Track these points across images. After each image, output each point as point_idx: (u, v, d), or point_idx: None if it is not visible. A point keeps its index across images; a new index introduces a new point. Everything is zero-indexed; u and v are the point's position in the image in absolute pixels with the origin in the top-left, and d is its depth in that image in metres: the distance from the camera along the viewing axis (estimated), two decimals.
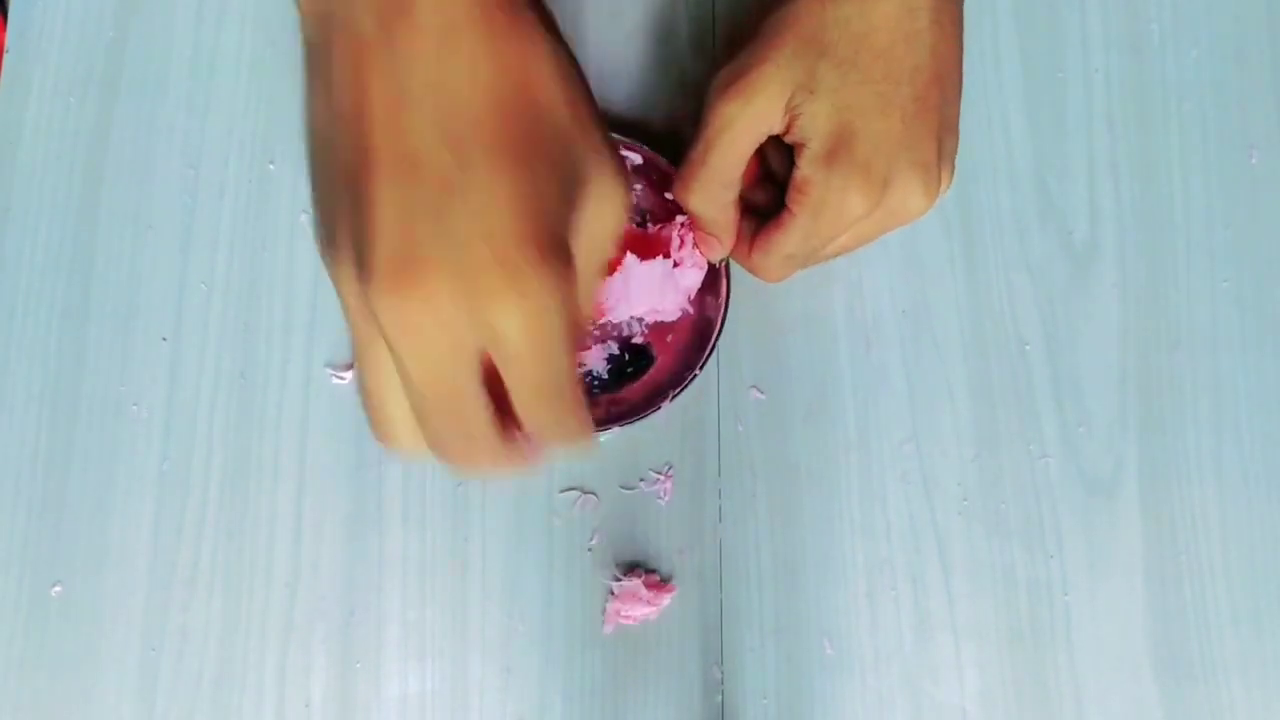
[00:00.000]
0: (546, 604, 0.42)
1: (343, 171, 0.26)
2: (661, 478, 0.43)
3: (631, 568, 0.43)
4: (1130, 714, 0.43)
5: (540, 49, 0.27)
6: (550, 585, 0.43)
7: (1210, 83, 0.48)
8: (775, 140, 0.38)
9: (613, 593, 0.42)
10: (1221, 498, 0.44)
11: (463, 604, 0.42)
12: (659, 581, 0.43)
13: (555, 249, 0.26)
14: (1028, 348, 0.45)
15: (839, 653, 0.43)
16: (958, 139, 0.38)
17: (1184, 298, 0.46)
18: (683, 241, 0.41)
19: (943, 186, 0.38)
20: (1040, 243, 0.46)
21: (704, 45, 0.47)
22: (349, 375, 0.44)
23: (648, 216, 0.44)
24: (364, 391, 0.29)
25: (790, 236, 0.38)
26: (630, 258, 0.41)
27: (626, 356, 0.44)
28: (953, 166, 0.38)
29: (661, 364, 0.43)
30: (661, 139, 0.45)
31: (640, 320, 0.43)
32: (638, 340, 0.44)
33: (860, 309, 0.45)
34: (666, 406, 0.41)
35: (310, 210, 0.45)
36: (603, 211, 0.28)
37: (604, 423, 0.41)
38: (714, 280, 0.42)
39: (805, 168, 0.37)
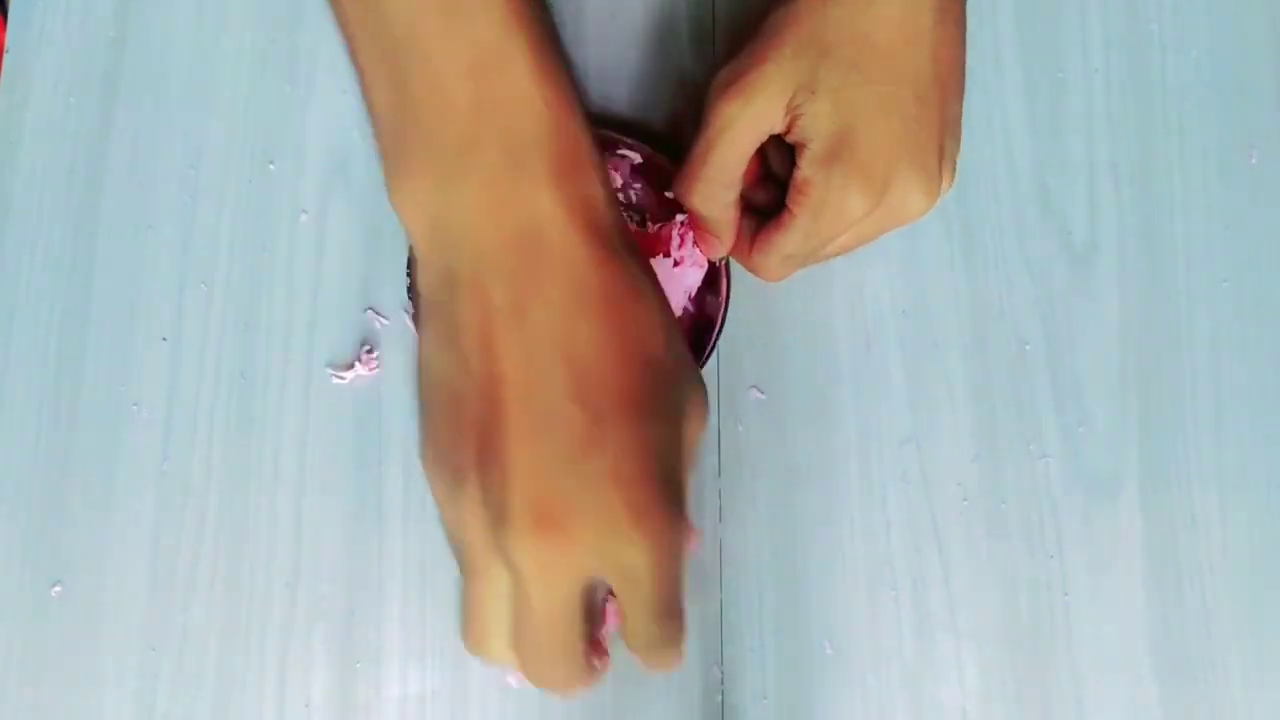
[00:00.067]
0: None
1: (474, 424, 0.29)
2: None
3: None
4: (1130, 714, 0.43)
5: (650, 304, 0.31)
6: None
7: (1210, 83, 0.48)
8: (776, 139, 0.38)
9: (613, 592, 0.42)
10: (1222, 498, 0.44)
11: None
12: None
13: (679, 489, 0.30)
14: (1028, 348, 0.45)
15: (839, 653, 0.43)
16: (959, 139, 0.38)
17: (1184, 298, 0.46)
18: (683, 240, 0.41)
19: (943, 187, 0.38)
20: (1040, 243, 0.46)
21: (704, 45, 0.47)
22: (349, 375, 0.44)
23: (648, 216, 0.44)
24: (468, 604, 0.31)
25: (790, 237, 0.38)
26: None
27: None
28: (954, 166, 0.38)
29: None
30: (661, 139, 0.45)
31: None
32: None
33: (860, 309, 0.45)
34: None
35: (309, 210, 0.45)
36: (695, 428, 0.31)
37: None
38: (714, 279, 0.42)
39: (806, 168, 0.37)
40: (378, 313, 0.44)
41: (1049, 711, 0.43)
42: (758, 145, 0.38)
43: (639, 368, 0.29)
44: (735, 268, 0.42)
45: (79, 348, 0.44)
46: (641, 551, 0.28)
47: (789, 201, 0.38)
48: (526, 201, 0.29)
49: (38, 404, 0.43)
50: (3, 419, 0.43)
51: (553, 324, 0.29)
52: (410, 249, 0.41)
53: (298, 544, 0.43)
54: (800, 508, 0.44)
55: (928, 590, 0.43)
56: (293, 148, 0.46)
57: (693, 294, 0.42)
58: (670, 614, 0.30)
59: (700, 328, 0.43)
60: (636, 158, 0.43)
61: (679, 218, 0.41)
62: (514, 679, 0.42)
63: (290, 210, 0.45)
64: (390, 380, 0.44)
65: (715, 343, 0.41)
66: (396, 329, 0.44)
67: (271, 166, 0.46)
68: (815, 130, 0.36)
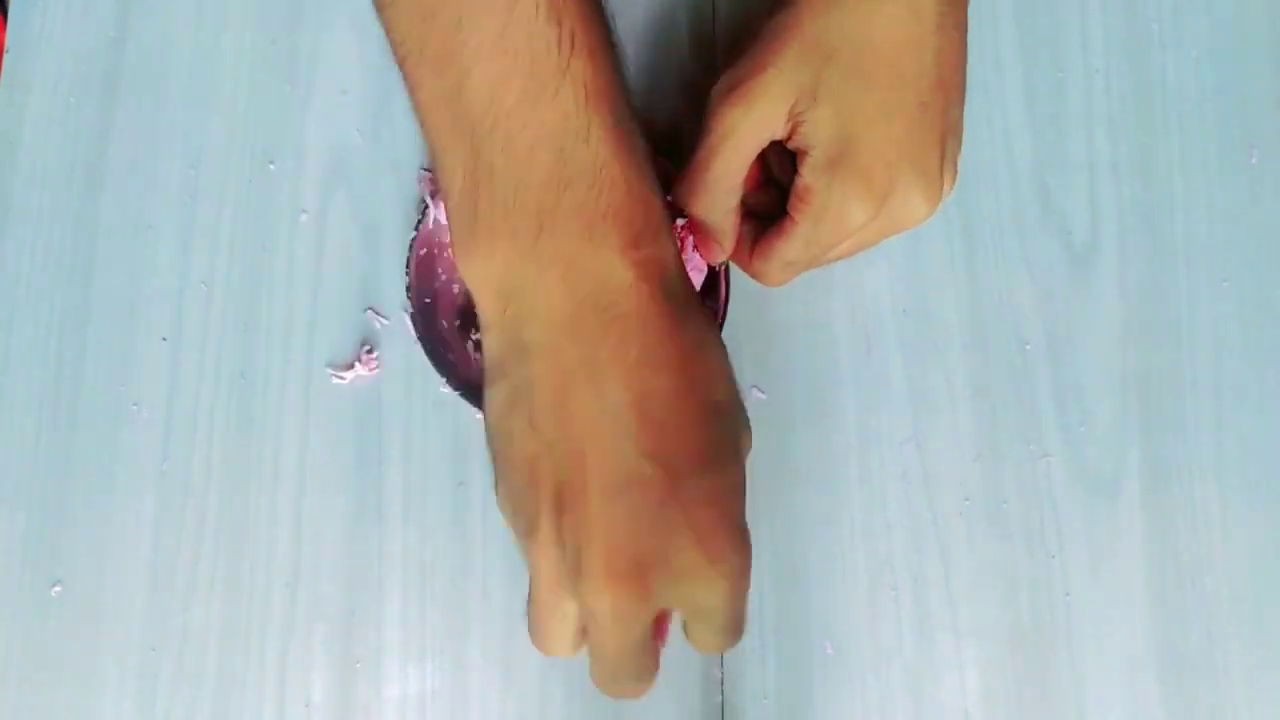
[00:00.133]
0: None
1: (548, 477, 0.30)
2: None
3: None
4: (1131, 714, 0.43)
5: (715, 354, 0.32)
6: None
7: (1210, 83, 0.48)
8: (778, 144, 0.38)
9: None
10: (1222, 497, 0.44)
11: (463, 604, 0.42)
12: None
13: (743, 523, 0.31)
14: (1028, 348, 0.45)
15: (839, 653, 0.43)
16: (961, 143, 0.38)
17: (1184, 298, 0.46)
18: (683, 244, 0.41)
19: (945, 192, 0.37)
20: (1040, 243, 0.46)
21: (704, 46, 0.47)
22: (349, 375, 0.44)
23: None
24: (535, 614, 0.32)
25: (791, 243, 0.38)
26: None
27: None
28: (955, 170, 0.38)
29: None
30: (661, 139, 0.45)
31: None
32: None
33: (861, 309, 0.45)
34: None
35: (309, 210, 0.45)
36: (746, 460, 0.32)
37: None
38: (713, 283, 0.42)
39: (807, 175, 0.36)
40: (378, 313, 0.44)
41: (1050, 711, 0.42)
42: (759, 151, 0.38)
43: (708, 418, 0.30)
44: (735, 269, 0.42)
45: (79, 348, 0.44)
46: (717, 592, 0.30)
47: (790, 209, 0.37)
48: (602, 269, 0.30)
49: (38, 404, 0.43)
50: (3, 419, 0.43)
51: (628, 383, 0.29)
52: (411, 248, 0.41)
53: (298, 544, 0.43)
54: (801, 508, 0.44)
55: (928, 590, 0.43)
56: (293, 148, 0.46)
57: None
58: (738, 629, 0.32)
59: None
60: None
61: (679, 221, 0.41)
62: None
63: (290, 210, 0.45)
64: (390, 380, 0.44)
65: None
66: (396, 329, 0.44)
67: (271, 166, 0.46)
68: (817, 137, 0.36)
